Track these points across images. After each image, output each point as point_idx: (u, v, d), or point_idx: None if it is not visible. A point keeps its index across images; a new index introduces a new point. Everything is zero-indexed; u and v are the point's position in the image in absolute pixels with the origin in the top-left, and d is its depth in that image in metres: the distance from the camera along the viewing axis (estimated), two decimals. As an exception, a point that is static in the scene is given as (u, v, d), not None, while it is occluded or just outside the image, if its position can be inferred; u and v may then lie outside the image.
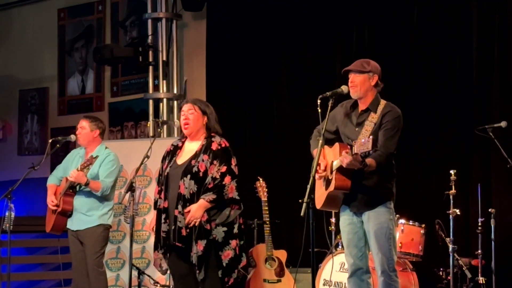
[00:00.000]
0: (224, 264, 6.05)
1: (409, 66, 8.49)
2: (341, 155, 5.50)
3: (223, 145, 6.16)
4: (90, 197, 7.30)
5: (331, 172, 5.66)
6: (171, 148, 6.34)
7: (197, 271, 6.05)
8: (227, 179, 6.07)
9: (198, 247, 6.01)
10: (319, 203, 5.78)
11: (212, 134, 6.23)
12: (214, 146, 6.14)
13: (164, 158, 6.33)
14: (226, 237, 6.08)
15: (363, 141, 5.32)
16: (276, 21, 9.40)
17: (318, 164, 5.63)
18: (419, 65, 8.49)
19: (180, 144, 6.32)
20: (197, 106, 6.21)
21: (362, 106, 5.82)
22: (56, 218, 7.33)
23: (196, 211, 6.00)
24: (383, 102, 5.79)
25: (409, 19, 8.55)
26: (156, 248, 6.23)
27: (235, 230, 6.12)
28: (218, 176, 6.06)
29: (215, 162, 6.07)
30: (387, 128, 5.67)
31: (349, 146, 5.54)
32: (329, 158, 5.74)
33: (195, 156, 6.14)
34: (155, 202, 6.26)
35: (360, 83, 5.75)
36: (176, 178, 6.11)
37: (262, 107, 9.55)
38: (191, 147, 6.23)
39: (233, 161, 6.15)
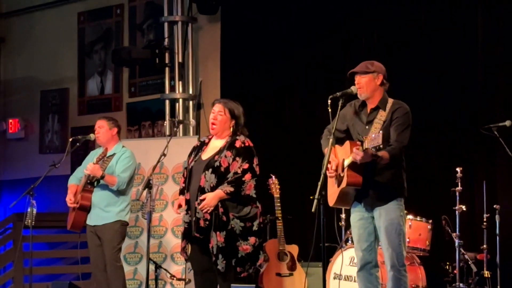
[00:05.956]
0: (240, 256, 6.15)
1: (416, 66, 8.51)
2: (352, 152, 5.57)
3: (246, 144, 6.30)
4: (108, 192, 7.41)
5: (343, 170, 5.74)
6: (198, 144, 6.49)
7: (218, 263, 6.12)
8: (248, 176, 6.19)
9: (219, 238, 6.11)
10: (331, 200, 5.87)
11: (238, 133, 6.37)
12: (237, 144, 6.27)
13: (190, 153, 6.48)
14: (245, 231, 6.17)
15: (373, 136, 5.38)
16: (288, 24, 9.44)
17: (329, 163, 5.69)
18: (426, 65, 8.48)
19: (206, 140, 6.48)
20: (227, 110, 6.34)
21: (371, 105, 5.90)
22: (76, 214, 7.43)
23: (211, 200, 6.12)
24: (391, 100, 5.88)
25: (416, 21, 8.57)
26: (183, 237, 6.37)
27: (255, 228, 6.22)
28: (239, 172, 6.18)
29: (237, 158, 6.20)
30: (399, 123, 5.75)
31: (359, 142, 5.59)
32: (340, 156, 5.83)
33: (219, 152, 6.28)
34: (181, 190, 6.43)
35: (365, 84, 5.85)
36: (199, 172, 6.26)
37: (275, 107, 9.57)
38: (216, 144, 6.38)
39: (255, 161, 6.27)
